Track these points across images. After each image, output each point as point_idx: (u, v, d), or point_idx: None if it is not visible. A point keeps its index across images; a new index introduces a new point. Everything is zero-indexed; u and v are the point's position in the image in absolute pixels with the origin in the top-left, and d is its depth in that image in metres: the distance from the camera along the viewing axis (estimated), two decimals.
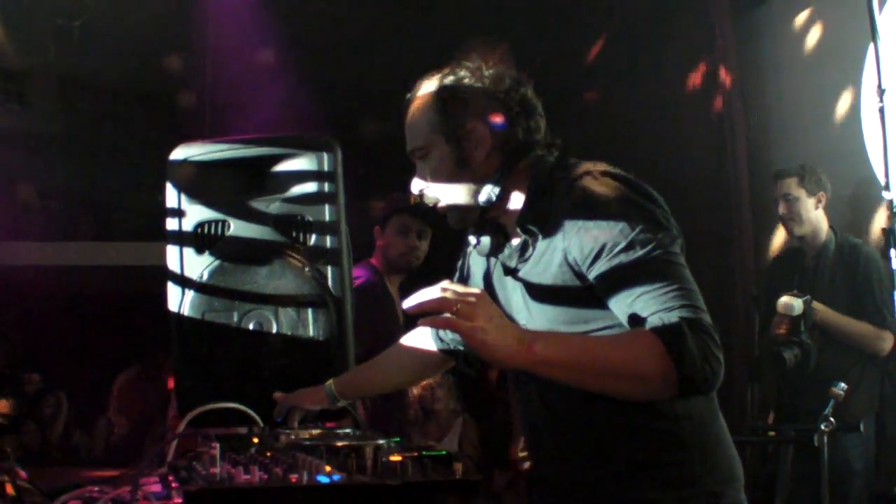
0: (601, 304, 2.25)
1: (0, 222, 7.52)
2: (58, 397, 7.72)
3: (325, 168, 2.96)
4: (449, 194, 2.55)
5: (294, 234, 2.94)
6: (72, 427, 7.71)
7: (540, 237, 2.36)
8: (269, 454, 2.02)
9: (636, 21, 7.27)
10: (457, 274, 2.72)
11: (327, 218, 2.94)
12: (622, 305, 2.19)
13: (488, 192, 2.47)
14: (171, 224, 3.00)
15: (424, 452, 1.97)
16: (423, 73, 2.61)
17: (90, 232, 8.21)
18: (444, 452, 1.98)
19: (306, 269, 2.89)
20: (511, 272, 2.46)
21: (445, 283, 2.13)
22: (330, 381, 2.83)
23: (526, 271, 2.41)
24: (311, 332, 2.88)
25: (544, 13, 7.09)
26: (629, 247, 2.18)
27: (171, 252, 2.99)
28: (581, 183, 2.29)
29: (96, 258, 7.83)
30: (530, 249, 2.39)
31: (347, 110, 6.81)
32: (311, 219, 2.93)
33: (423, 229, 5.09)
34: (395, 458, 1.85)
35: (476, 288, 2.14)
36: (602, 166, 2.34)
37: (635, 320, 2.16)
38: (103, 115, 7.40)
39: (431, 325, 2.16)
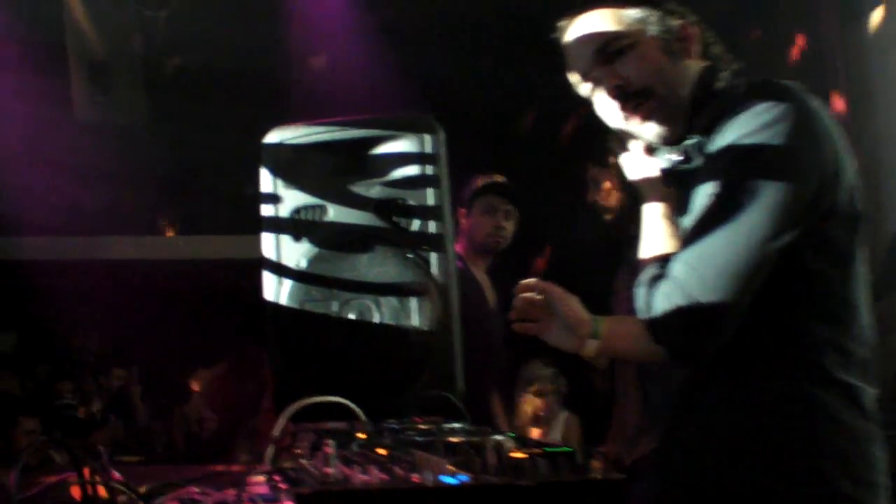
0: None
1: (90, 217, 7.52)
2: (134, 392, 7.69)
3: (428, 150, 2.80)
4: (664, 81, 2.35)
5: (395, 220, 2.79)
6: (158, 422, 7.69)
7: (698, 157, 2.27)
8: (380, 451, 1.87)
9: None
10: None
11: (430, 202, 2.77)
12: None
13: (700, 94, 2.34)
14: (267, 210, 2.85)
15: (547, 449, 1.80)
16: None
17: (179, 225, 8.19)
18: (569, 449, 1.81)
19: (409, 255, 2.74)
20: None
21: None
22: (598, 318, 2.67)
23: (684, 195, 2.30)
24: (414, 322, 2.72)
25: None
26: (726, 188, 2.11)
27: (267, 240, 2.84)
28: (746, 107, 2.15)
29: (185, 252, 7.80)
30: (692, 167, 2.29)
31: (445, 89, 6.68)
32: (413, 203, 2.78)
33: (510, 209, 4.99)
34: (518, 455, 1.69)
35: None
36: (792, 89, 2.18)
37: None
38: (191, 105, 7.34)
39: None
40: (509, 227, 4.99)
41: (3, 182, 6.77)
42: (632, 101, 2.35)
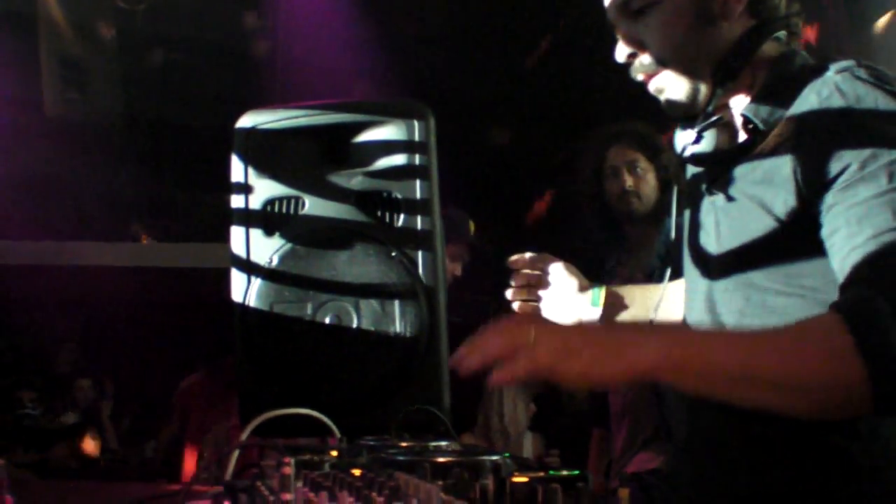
0: (822, 253, 1.76)
1: (60, 221, 7.30)
2: (104, 407, 7.47)
3: (416, 138, 2.55)
4: (680, 57, 2.04)
5: (379, 214, 2.54)
6: (130, 437, 7.47)
7: (763, 140, 1.90)
8: (354, 472, 1.59)
9: None
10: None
11: (418, 195, 2.52)
12: (838, 256, 1.69)
13: (730, 63, 2.01)
14: (237, 202, 2.61)
15: (552, 472, 1.52)
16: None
17: (155, 232, 7.97)
18: (577, 473, 1.53)
19: (393, 253, 2.49)
20: (712, 182, 2.01)
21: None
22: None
23: (735, 184, 1.96)
24: (397, 328, 2.46)
25: None
26: (874, 175, 1.69)
27: (237, 234, 2.60)
28: (837, 79, 1.83)
29: (161, 260, 7.59)
30: (748, 153, 1.94)
31: (435, 75, 6.45)
32: (399, 196, 2.53)
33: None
34: (520, 479, 1.41)
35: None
36: (871, 67, 1.87)
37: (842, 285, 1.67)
38: (170, 103, 7.09)
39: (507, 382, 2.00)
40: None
41: None
42: (641, 71, 2.10)
